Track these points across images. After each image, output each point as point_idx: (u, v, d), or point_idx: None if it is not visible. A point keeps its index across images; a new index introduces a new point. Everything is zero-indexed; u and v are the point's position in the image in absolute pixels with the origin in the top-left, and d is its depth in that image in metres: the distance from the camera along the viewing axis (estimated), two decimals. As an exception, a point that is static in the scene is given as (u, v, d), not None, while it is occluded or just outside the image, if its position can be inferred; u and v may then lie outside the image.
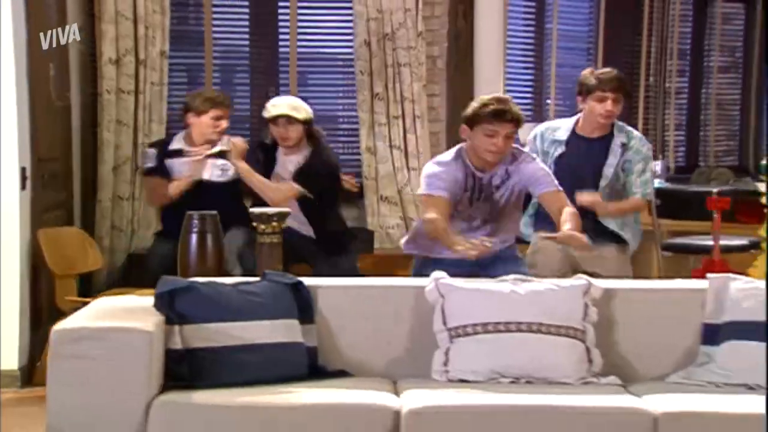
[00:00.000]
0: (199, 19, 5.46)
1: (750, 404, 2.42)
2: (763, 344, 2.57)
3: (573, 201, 3.55)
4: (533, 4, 5.99)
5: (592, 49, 6.26)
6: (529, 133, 4.09)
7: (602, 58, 6.09)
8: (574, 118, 4.11)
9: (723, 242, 4.45)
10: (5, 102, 4.11)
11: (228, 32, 5.64)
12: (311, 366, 2.74)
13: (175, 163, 4.40)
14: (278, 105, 4.26)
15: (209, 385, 2.52)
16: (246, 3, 5.59)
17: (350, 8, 5.25)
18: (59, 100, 4.75)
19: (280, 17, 5.44)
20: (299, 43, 5.45)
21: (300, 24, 5.43)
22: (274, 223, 3.54)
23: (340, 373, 2.76)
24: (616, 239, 3.84)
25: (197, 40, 5.44)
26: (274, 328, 2.70)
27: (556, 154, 3.94)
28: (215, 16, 5.47)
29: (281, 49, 5.47)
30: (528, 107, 5.82)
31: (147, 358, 2.42)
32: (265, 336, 2.68)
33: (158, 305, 2.61)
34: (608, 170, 3.85)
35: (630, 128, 4.09)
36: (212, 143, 4.33)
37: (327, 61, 5.72)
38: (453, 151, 3.47)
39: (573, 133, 3.97)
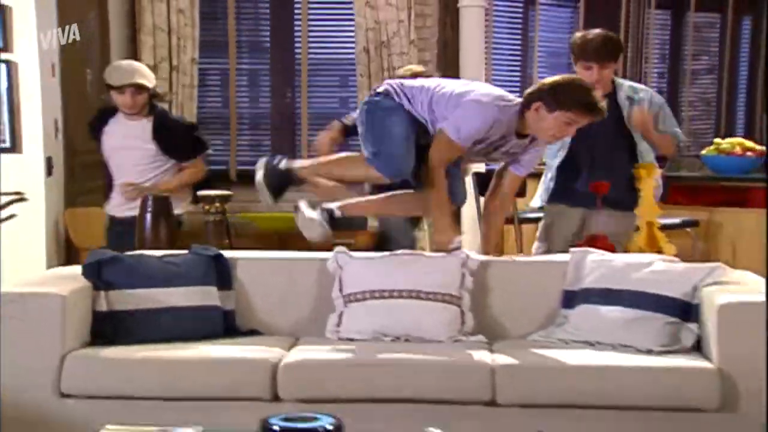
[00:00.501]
0: (225, 29, 6.06)
1: (581, 357, 2.70)
2: (609, 307, 2.87)
3: (595, 155, 3.66)
4: (519, 14, 6.57)
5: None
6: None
7: None
8: None
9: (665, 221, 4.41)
10: (38, 102, 4.56)
11: (250, 40, 6.32)
12: (227, 326, 3.04)
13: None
14: (125, 73, 4.11)
15: (129, 342, 2.83)
16: (267, 15, 6.29)
17: (352, 19, 5.85)
18: (98, 100, 5.07)
19: (295, 28, 6.09)
20: (310, 50, 6.07)
21: (310, 34, 6.07)
22: (217, 204, 3.97)
23: (252, 332, 3.05)
24: (623, 206, 3.75)
25: (223, 48, 6.06)
26: (191, 294, 2.98)
27: None
28: (239, 27, 6.13)
29: (296, 55, 6.09)
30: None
31: (60, 319, 2.70)
32: (182, 300, 2.96)
33: (86, 274, 2.93)
34: (620, 132, 3.74)
35: (632, 83, 4.00)
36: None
37: (333, 65, 6.30)
38: (497, 106, 3.08)
39: None
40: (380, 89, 3.25)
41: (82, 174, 5.00)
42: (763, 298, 2.56)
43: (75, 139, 4.97)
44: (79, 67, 5.09)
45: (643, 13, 6.79)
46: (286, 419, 2.02)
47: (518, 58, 6.64)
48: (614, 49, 3.77)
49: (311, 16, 6.05)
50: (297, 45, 6.10)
